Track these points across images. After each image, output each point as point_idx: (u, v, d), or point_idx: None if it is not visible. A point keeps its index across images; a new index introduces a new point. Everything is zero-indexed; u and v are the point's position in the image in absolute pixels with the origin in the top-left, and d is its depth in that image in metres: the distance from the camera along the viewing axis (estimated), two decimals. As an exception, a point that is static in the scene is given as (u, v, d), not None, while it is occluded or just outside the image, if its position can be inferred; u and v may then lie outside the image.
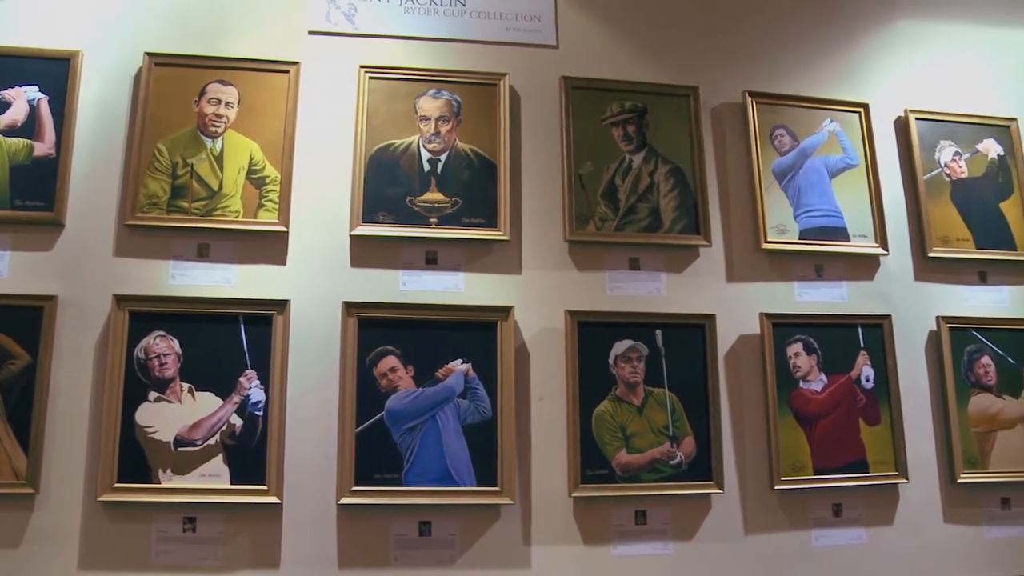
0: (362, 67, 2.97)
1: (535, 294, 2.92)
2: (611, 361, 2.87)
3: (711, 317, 2.97)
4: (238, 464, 2.59)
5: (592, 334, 2.87)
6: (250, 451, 2.59)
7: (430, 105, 2.98)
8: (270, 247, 2.78)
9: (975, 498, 3.10)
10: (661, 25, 3.32)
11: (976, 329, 3.22)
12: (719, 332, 2.98)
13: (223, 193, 2.76)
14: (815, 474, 2.95)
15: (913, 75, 3.51)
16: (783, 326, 3.04)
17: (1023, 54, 3.68)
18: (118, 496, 2.51)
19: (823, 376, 3.04)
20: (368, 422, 2.67)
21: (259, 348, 2.66)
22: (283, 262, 2.79)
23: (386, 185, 2.87)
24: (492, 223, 2.89)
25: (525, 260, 2.95)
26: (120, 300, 2.63)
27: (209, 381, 2.62)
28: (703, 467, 2.86)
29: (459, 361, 2.77)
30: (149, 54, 2.85)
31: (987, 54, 3.63)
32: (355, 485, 2.62)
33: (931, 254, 3.26)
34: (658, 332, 2.92)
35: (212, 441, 2.59)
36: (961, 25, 3.65)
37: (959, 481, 3.06)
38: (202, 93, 2.84)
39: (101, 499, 2.50)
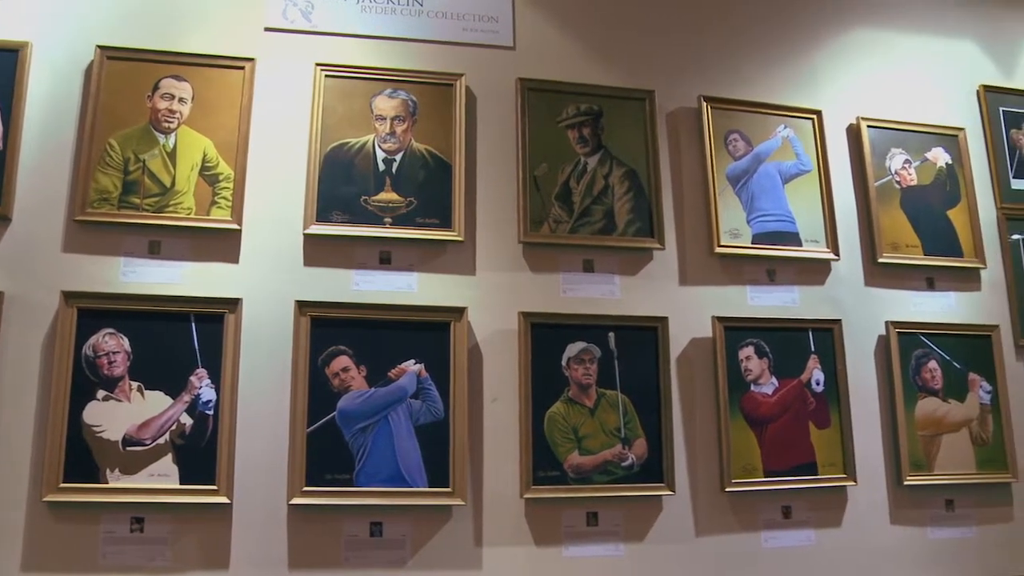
0: (318, 65, 3.00)
1: (489, 295, 2.96)
2: (564, 363, 2.93)
3: (664, 320, 3.04)
4: (188, 464, 2.59)
5: (545, 336, 2.93)
6: (200, 451, 2.61)
7: (386, 104, 3.02)
8: (223, 245, 2.79)
9: (920, 500, 3.22)
10: (618, 28, 3.39)
11: (923, 334, 3.34)
12: (672, 335, 3.05)
13: (176, 190, 2.77)
14: (765, 476, 3.04)
15: (865, 84, 3.63)
16: (735, 329, 3.12)
17: (972, 66, 3.83)
18: (64, 496, 2.50)
19: (774, 379, 3.13)
20: (320, 422, 2.70)
21: (210, 347, 2.67)
22: (236, 260, 2.80)
23: (340, 184, 2.89)
24: (446, 223, 2.93)
25: (479, 261, 3.00)
26: (68, 297, 2.63)
27: (159, 380, 2.63)
28: (654, 469, 2.93)
29: (412, 361, 2.81)
30: (101, 47, 2.84)
31: (937, 65, 3.77)
32: (306, 485, 2.64)
33: (881, 260, 3.37)
34: (611, 334, 2.99)
35: (161, 440, 2.59)
36: (913, 36, 3.79)
37: (905, 483, 3.17)
38: (155, 88, 2.85)
39: (46, 499, 2.49)
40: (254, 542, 2.63)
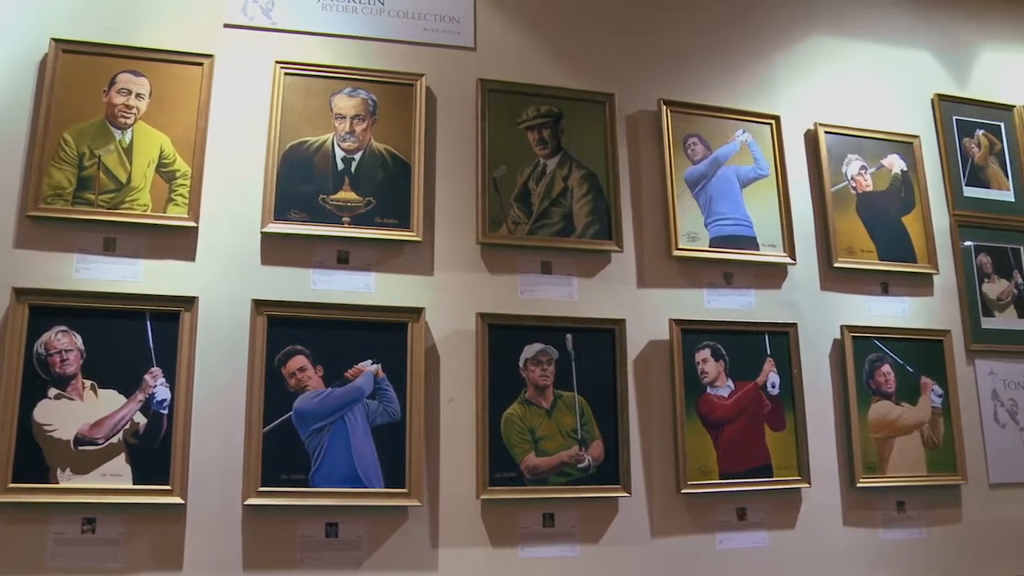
0: (278, 63, 3.01)
1: (447, 296, 3.00)
2: (521, 364, 2.98)
3: (621, 322, 3.10)
4: (141, 463, 2.60)
5: (502, 337, 2.97)
6: (154, 450, 2.61)
7: (346, 103, 3.04)
8: (179, 242, 2.80)
9: (873, 502, 3.32)
10: (579, 31, 3.45)
11: (877, 338, 3.45)
12: (629, 337, 3.11)
13: (131, 186, 2.78)
14: (721, 478, 3.11)
15: (823, 90, 3.74)
16: (692, 332, 3.19)
17: (927, 75, 3.96)
18: (12, 497, 2.49)
19: (730, 382, 3.21)
20: (276, 422, 2.72)
21: (165, 345, 2.68)
22: (192, 258, 2.81)
23: (299, 183, 2.91)
24: (405, 224, 2.97)
25: (437, 261, 3.03)
26: (19, 293, 2.62)
27: (113, 378, 2.63)
28: (611, 471, 2.99)
29: (369, 362, 2.84)
30: (56, 40, 2.83)
31: (893, 74, 3.90)
32: (261, 486, 2.66)
33: (836, 264, 3.46)
34: (568, 336, 3.04)
35: (114, 440, 2.59)
36: (870, 45, 3.91)
37: (858, 485, 3.26)
38: (112, 83, 2.85)
39: (-5, 500, 2.48)
40: (208, 543, 2.64)
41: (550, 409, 2.98)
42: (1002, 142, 3.96)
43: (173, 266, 2.80)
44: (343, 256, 2.95)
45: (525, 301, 3.09)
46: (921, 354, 3.51)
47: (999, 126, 3.98)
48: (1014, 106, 4.04)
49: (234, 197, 2.90)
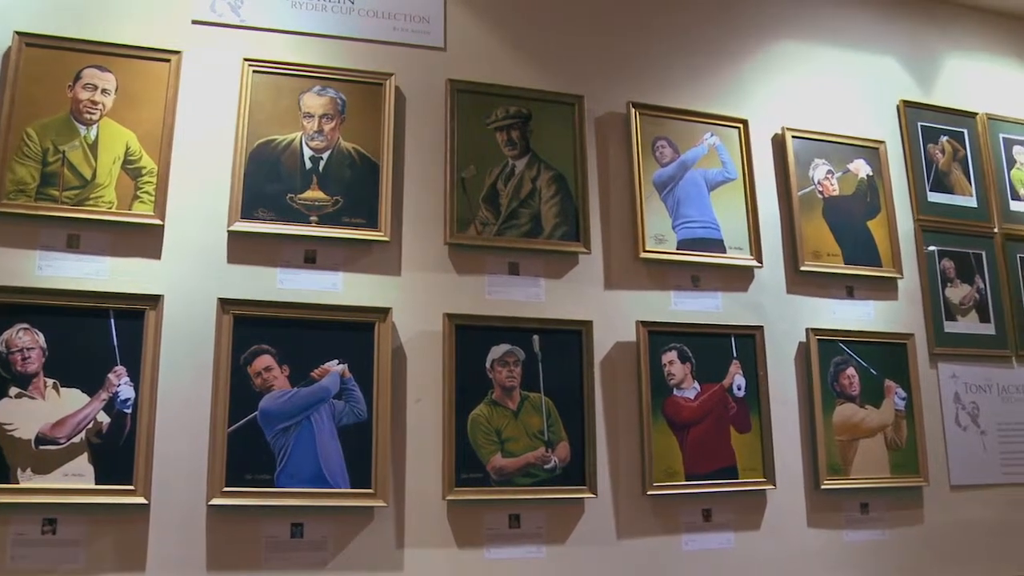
0: (246, 60, 3.02)
1: (414, 296, 3.02)
2: (488, 365, 3.00)
3: (588, 323, 3.14)
4: (104, 463, 2.59)
5: (469, 337, 3.00)
6: (117, 450, 2.61)
7: (314, 102, 3.06)
8: (144, 240, 2.80)
9: (837, 503, 3.39)
10: (549, 33, 3.49)
11: (842, 341, 3.52)
12: (596, 338, 3.15)
13: (96, 183, 2.77)
14: (686, 480, 3.16)
15: (791, 95, 3.81)
16: (659, 334, 3.24)
17: (893, 81, 4.06)
18: None
19: (696, 384, 3.27)
20: (241, 422, 2.72)
21: (130, 344, 2.68)
22: (157, 256, 2.81)
23: (266, 181, 2.92)
24: (373, 223, 2.98)
25: (405, 262, 3.06)
26: (-20, 291, 2.61)
27: (76, 377, 2.63)
28: (577, 472, 3.02)
29: (335, 362, 2.85)
30: (20, 33, 2.81)
31: (860, 79, 3.98)
32: (226, 486, 2.66)
33: (803, 268, 3.53)
34: (535, 337, 3.07)
35: (77, 439, 2.59)
36: (837, 51, 4.00)
37: (823, 487, 3.33)
38: (77, 78, 2.84)
39: (-47, 500, 2.47)
40: (172, 543, 2.64)
41: (517, 410, 3.01)
42: (965, 148, 4.07)
43: (138, 264, 2.80)
44: (310, 255, 2.97)
45: (492, 302, 3.12)
46: (885, 357, 3.59)
47: (962, 133, 4.09)
48: (977, 113, 4.15)
49: (201, 195, 2.90)
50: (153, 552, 2.63)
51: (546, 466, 3.01)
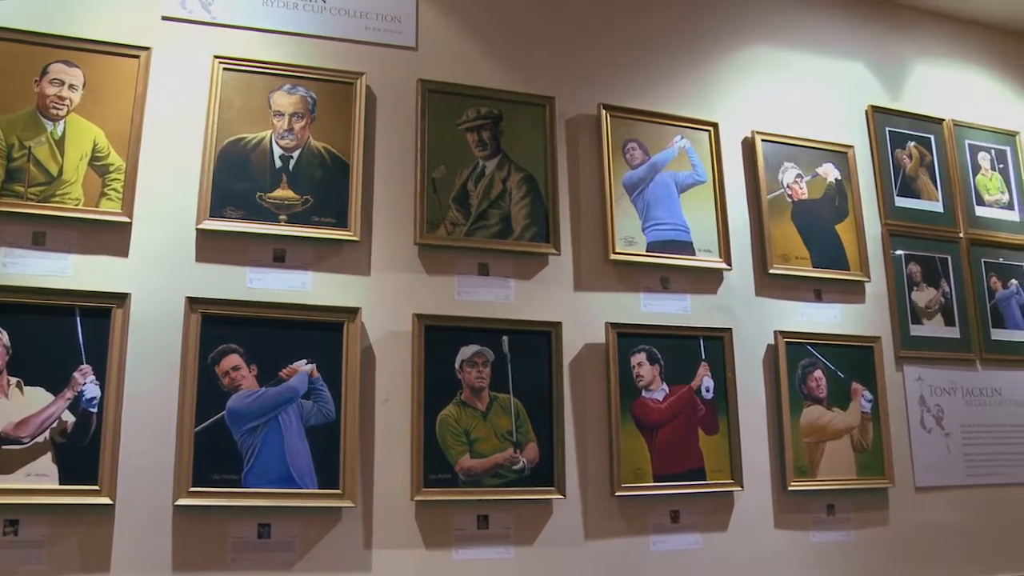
0: (216, 57, 3.02)
1: (383, 296, 3.04)
2: (457, 365, 3.02)
3: (558, 325, 3.17)
4: (68, 463, 2.58)
5: (439, 338, 3.02)
6: (82, 449, 2.60)
7: (285, 100, 3.07)
8: (111, 238, 2.79)
9: (803, 504, 3.44)
10: (520, 34, 3.52)
11: (810, 344, 3.57)
12: (565, 340, 3.18)
13: (63, 179, 2.76)
14: (655, 481, 3.19)
15: (761, 99, 3.87)
16: (628, 336, 3.27)
17: (861, 87, 4.13)
18: None
19: (665, 386, 3.30)
20: (208, 421, 2.72)
21: (96, 342, 2.67)
22: (125, 254, 2.80)
23: (236, 180, 2.92)
24: (342, 223, 2.99)
25: (374, 262, 3.07)
26: (-57, 288, 2.59)
27: (40, 375, 2.61)
28: (546, 473, 3.05)
29: (304, 361, 2.86)
30: None
31: (829, 84, 4.05)
32: (193, 486, 2.66)
33: (771, 271, 3.59)
34: (505, 338, 3.09)
35: (40, 439, 2.57)
36: (807, 56, 4.06)
37: (790, 488, 3.38)
38: (44, 73, 2.82)
39: (-88, 500, 2.45)
40: (137, 544, 2.63)
41: (485, 411, 3.04)
42: (932, 154, 4.15)
43: (105, 262, 2.79)
44: (279, 254, 2.97)
45: (462, 302, 3.14)
46: (852, 360, 3.65)
47: (929, 138, 4.17)
48: (943, 119, 4.23)
49: (169, 193, 2.90)
50: (118, 553, 2.62)
51: (515, 467, 3.03)
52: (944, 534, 3.69)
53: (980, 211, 4.19)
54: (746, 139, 3.77)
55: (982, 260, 4.09)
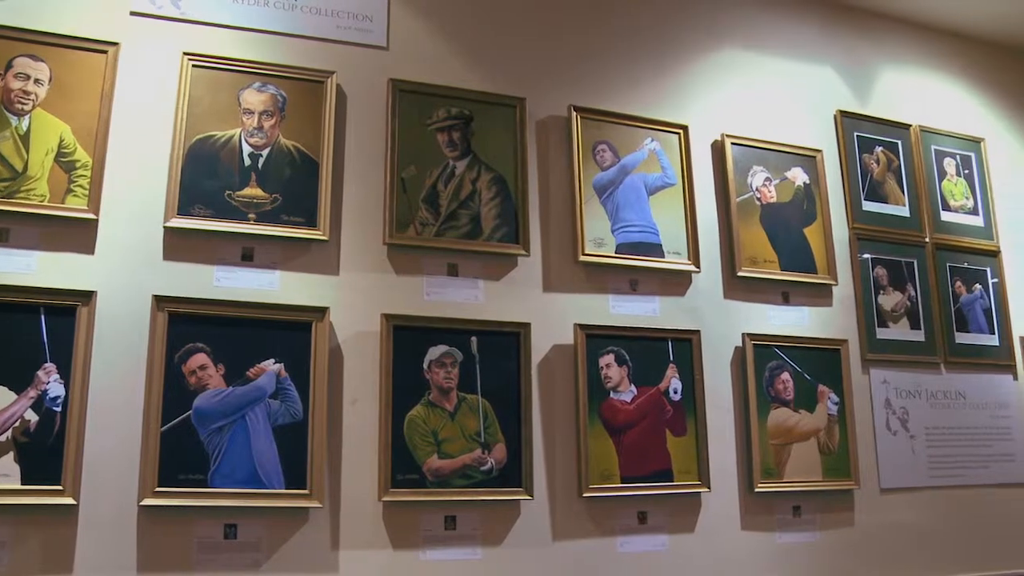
0: (186, 54, 3.01)
1: (352, 296, 3.05)
2: (425, 366, 3.04)
3: (526, 326, 3.19)
4: (31, 463, 2.56)
5: (407, 338, 3.03)
6: (45, 449, 2.58)
7: (254, 98, 3.06)
8: (77, 235, 2.78)
9: (770, 506, 3.49)
10: (492, 35, 3.54)
11: (777, 346, 3.62)
12: (533, 341, 3.20)
13: (28, 175, 2.74)
14: (622, 482, 3.22)
15: (731, 103, 3.91)
16: (596, 337, 3.30)
17: (830, 92, 4.20)
18: None
19: (633, 387, 3.33)
20: (174, 421, 2.72)
21: (60, 341, 2.66)
22: (91, 251, 2.79)
23: (204, 177, 2.92)
24: (311, 222, 3.00)
25: (343, 261, 3.07)
26: (-95, 285, 2.57)
27: (3, 374, 2.59)
28: (513, 474, 3.07)
29: (271, 361, 2.86)
30: None
31: (798, 89, 4.11)
32: (158, 486, 2.65)
33: (740, 273, 3.63)
34: (473, 339, 3.11)
35: (3, 438, 2.55)
36: (777, 60, 4.12)
37: (756, 490, 3.43)
38: (8, 67, 2.80)
39: None
40: (101, 545, 2.62)
41: (453, 411, 3.05)
42: (899, 159, 4.22)
43: (70, 259, 2.77)
44: (247, 253, 2.97)
45: (431, 303, 3.16)
46: (819, 363, 3.71)
47: (896, 143, 4.24)
48: (911, 125, 4.31)
49: (137, 190, 2.89)
50: (81, 554, 2.61)
51: (482, 468, 3.05)
52: (908, 535, 3.76)
53: (945, 216, 4.27)
54: (716, 142, 3.81)
55: (947, 264, 4.17)
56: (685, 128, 3.72)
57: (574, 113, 3.52)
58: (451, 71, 3.43)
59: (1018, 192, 4.58)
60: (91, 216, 2.79)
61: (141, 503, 2.65)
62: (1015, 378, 4.24)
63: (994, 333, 4.21)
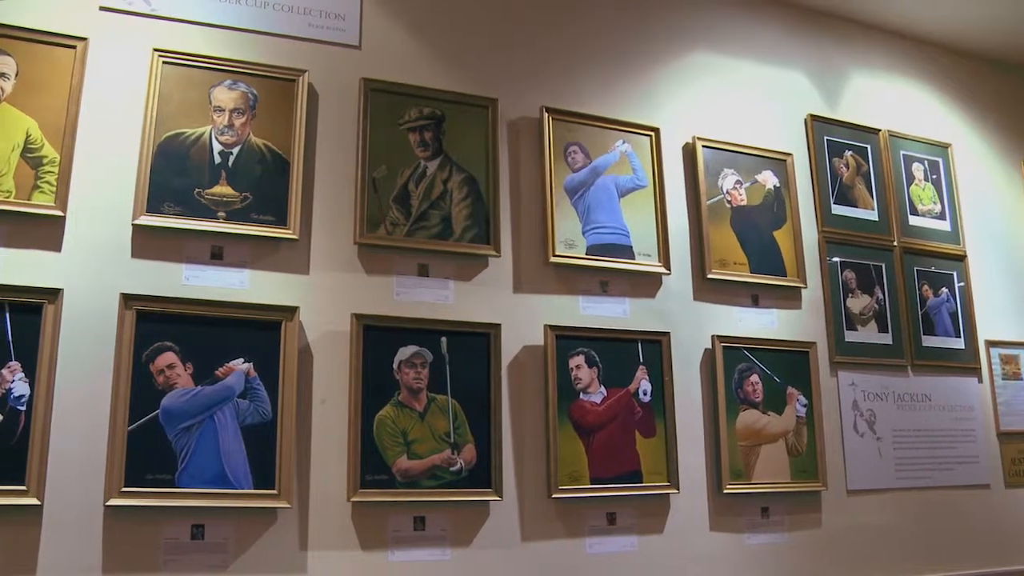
0: (156, 51, 2.99)
1: (322, 295, 3.05)
2: (395, 366, 3.04)
3: (497, 326, 3.21)
4: None
5: (377, 338, 3.04)
6: (9, 449, 2.56)
7: (225, 96, 3.06)
8: (44, 232, 2.76)
9: (739, 507, 3.53)
10: (465, 35, 3.56)
11: (747, 348, 3.66)
12: (504, 341, 3.22)
13: None
14: (591, 484, 3.25)
15: (702, 105, 3.95)
16: (566, 338, 3.32)
17: (801, 96, 4.26)
18: None
19: (603, 389, 3.36)
20: (142, 420, 2.71)
21: (26, 339, 2.64)
22: (58, 248, 2.77)
23: (174, 175, 2.91)
24: (282, 221, 3.00)
25: (313, 260, 3.08)
26: None
27: None
28: (483, 475, 3.08)
29: (240, 360, 2.86)
30: None
31: (770, 93, 4.16)
32: (125, 486, 2.64)
33: (710, 276, 3.67)
34: (443, 339, 3.12)
35: None
36: (748, 64, 4.17)
37: (725, 492, 3.47)
38: None
39: None
40: (66, 546, 2.60)
41: (423, 412, 3.06)
42: (868, 163, 4.28)
43: (37, 256, 2.75)
44: (217, 252, 2.96)
45: (401, 303, 3.16)
46: (788, 365, 3.75)
47: (866, 148, 4.30)
48: (880, 130, 4.37)
49: (105, 187, 2.87)
50: (45, 555, 2.59)
51: (452, 468, 3.06)
52: (875, 536, 3.81)
53: (913, 220, 4.33)
54: (687, 145, 3.85)
55: (915, 268, 4.23)
56: (657, 131, 3.75)
57: (546, 114, 3.54)
58: (423, 71, 3.44)
59: (984, 197, 4.67)
60: (58, 213, 2.77)
61: (107, 503, 2.64)
62: (980, 381, 4.32)
63: (960, 336, 4.28)
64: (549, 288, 3.42)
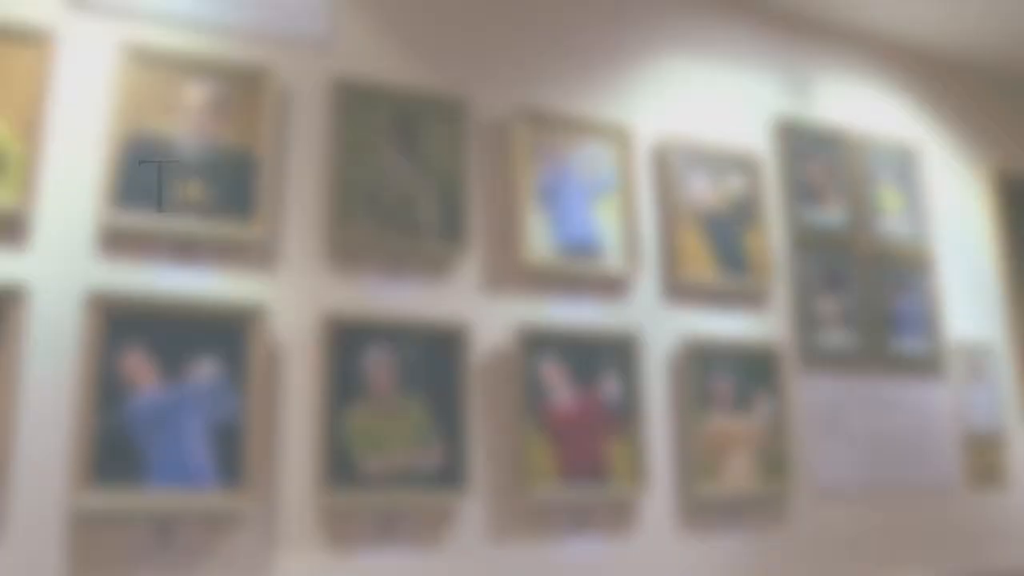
0: (123, 45, 2.98)
1: (291, 295, 3.07)
2: (364, 366, 3.07)
3: (466, 327, 3.23)
4: None
5: (346, 337, 3.05)
6: None
7: (194, 93, 3.06)
8: (7, 230, 2.75)
9: (707, 509, 3.58)
10: (437, 34, 3.59)
11: (715, 350, 3.72)
12: (473, 342, 3.26)
13: None
14: (560, 485, 3.29)
15: (672, 107, 4.01)
16: (535, 339, 3.35)
17: (770, 99, 4.32)
18: None
19: (572, 390, 3.40)
20: (106, 421, 2.71)
21: None
22: (22, 247, 2.77)
23: (141, 173, 2.91)
24: (250, 220, 3.00)
25: (282, 260, 3.09)
26: None
27: None
28: (452, 476, 3.11)
29: (208, 360, 2.87)
30: None
31: (740, 95, 4.22)
32: (88, 488, 2.63)
33: (678, 277, 3.72)
34: (412, 339, 3.16)
35: None
36: (720, 66, 4.22)
37: (693, 493, 3.52)
38: None
39: None
40: (23, 551, 2.59)
41: (392, 412, 3.09)
42: (836, 166, 4.35)
43: (0, 255, 2.75)
44: (184, 251, 2.97)
45: (370, 302, 3.19)
46: (756, 367, 3.81)
47: (834, 151, 4.37)
48: (848, 133, 4.45)
49: (71, 185, 2.87)
50: (4, 561, 2.57)
51: (420, 469, 3.08)
52: (844, 537, 3.89)
53: (881, 223, 4.41)
54: (657, 147, 3.90)
55: (882, 270, 4.30)
56: (627, 132, 3.80)
57: (517, 115, 3.57)
58: (395, 70, 3.47)
59: (952, 201, 4.76)
60: (22, 210, 2.76)
61: (71, 506, 2.64)
62: (946, 383, 4.40)
63: (927, 339, 4.36)
64: (519, 289, 3.46)
